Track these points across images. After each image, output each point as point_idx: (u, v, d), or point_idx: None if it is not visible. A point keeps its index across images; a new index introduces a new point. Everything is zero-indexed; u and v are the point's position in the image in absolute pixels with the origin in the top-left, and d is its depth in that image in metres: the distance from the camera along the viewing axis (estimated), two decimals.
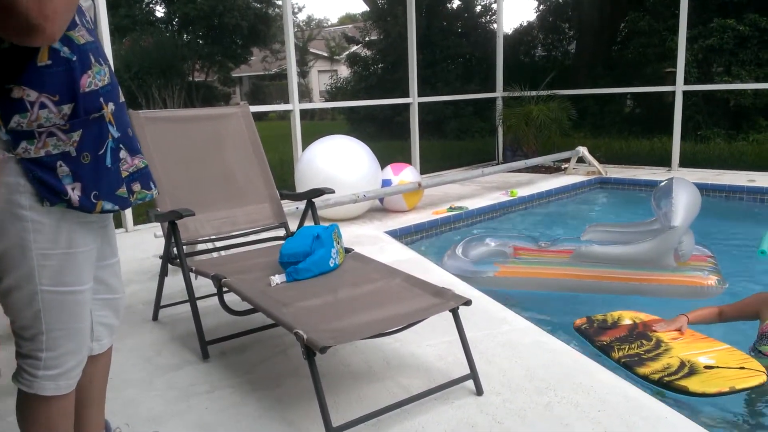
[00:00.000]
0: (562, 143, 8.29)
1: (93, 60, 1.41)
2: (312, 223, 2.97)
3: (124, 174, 1.51)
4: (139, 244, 4.45)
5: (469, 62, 13.92)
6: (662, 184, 3.99)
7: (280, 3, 15.07)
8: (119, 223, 4.98)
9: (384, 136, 12.35)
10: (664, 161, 7.59)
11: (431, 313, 2.11)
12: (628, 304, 3.20)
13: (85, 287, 1.48)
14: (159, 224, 2.95)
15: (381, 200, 5.42)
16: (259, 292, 2.32)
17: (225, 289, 2.44)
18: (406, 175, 5.40)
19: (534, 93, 8.28)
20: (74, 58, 1.36)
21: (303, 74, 27.02)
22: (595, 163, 7.24)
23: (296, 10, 28.91)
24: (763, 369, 2.35)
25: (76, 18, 1.39)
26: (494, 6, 13.85)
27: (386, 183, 5.29)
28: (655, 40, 11.17)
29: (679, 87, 7.19)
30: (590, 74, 12.36)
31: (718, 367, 2.38)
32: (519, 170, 7.32)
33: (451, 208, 5.46)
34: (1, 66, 1.29)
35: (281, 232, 3.24)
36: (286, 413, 2.11)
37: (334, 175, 4.79)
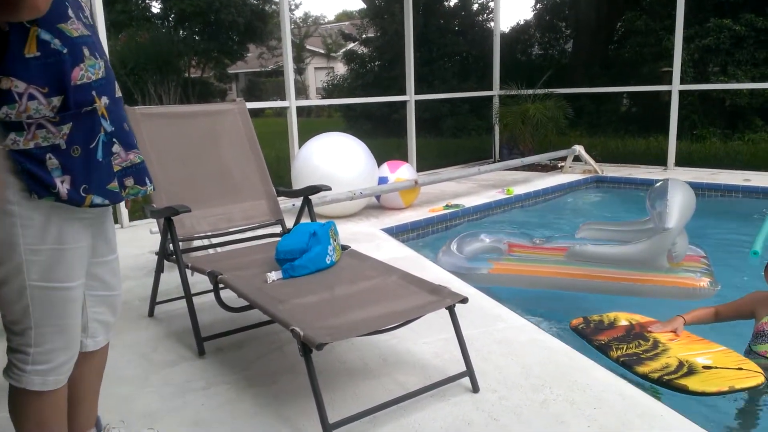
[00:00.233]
0: (558, 142, 8.30)
1: (87, 53, 1.41)
2: (308, 220, 2.97)
3: (117, 168, 1.50)
4: (135, 240, 4.44)
5: (466, 60, 13.93)
6: (658, 184, 3.99)
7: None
8: (115, 219, 4.97)
9: (380, 133, 12.35)
10: (660, 160, 7.61)
11: (428, 310, 2.11)
12: (622, 304, 3.20)
13: (75, 284, 1.47)
14: (155, 220, 2.95)
15: (377, 198, 5.42)
16: (256, 288, 2.32)
17: (221, 285, 2.43)
18: (403, 172, 5.40)
19: (531, 91, 8.29)
20: (65, 51, 1.36)
21: (299, 71, 26.98)
22: (591, 161, 7.25)
23: (293, 7, 28.84)
24: (761, 370, 2.36)
25: (70, 11, 1.39)
26: (491, 4, 13.89)
27: (383, 180, 5.29)
28: (651, 39, 11.20)
29: (676, 86, 7.20)
30: (587, 73, 12.38)
31: (716, 367, 2.39)
32: (515, 168, 7.33)
33: (447, 206, 5.46)
34: None
35: (277, 229, 3.23)
36: (282, 410, 2.11)
37: (331, 172, 4.78)
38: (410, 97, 7.10)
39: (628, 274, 3.61)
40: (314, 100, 17.93)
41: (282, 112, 6.13)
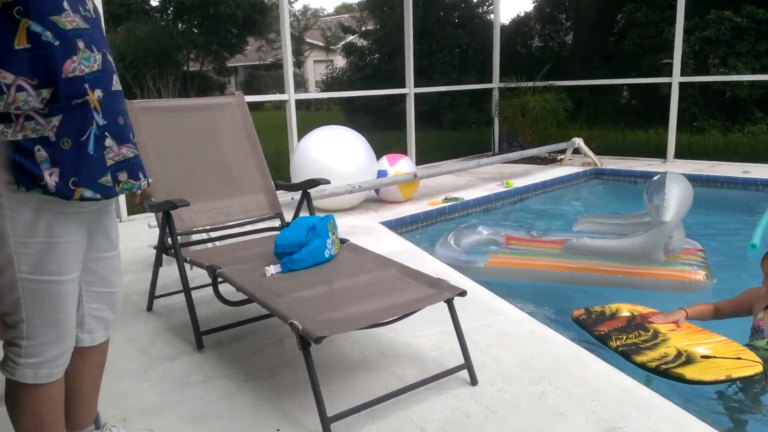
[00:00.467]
0: (558, 134, 8.29)
1: (82, 46, 1.40)
2: (307, 214, 2.97)
3: (110, 162, 1.48)
4: (134, 235, 4.44)
5: (465, 53, 13.88)
6: (655, 178, 3.99)
7: None
8: None
9: (380, 126, 12.32)
10: (660, 152, 7.60)
11: (426, 303, 2.11)
12: (619, 296, 3.21)
13: (68, 277, 1.47)
14: (153, 214, 2.94)
15: (377, 191, 5.41)
16: (254, 282, 2.32)
17: (220, 279, 2.43)
18: (402, 165, 5.39)
19: (530, 84, 8.27)
20: (56, 43, 1.35)
21: (299, 64, 26.90)
22: (591, 154, 7.24)
23: (292, 0, 28.75)
24: (759, 360, 2.36)
25: (66, 4, 1.38)
26: None
27: (382, 174, 5.28)
28: (651, 31, 11.16)
29: (676, 78, 7.19)
30: (587, 65, 12.34)
31: (714, 356, 2.40)
32: (515, 161, 7.32)
33: (446, 199, 5.46)
34: None
35: (276, 223, 3.23)
36: (281, 403, 2.11)
37: (330, 165, 4.78)
38: (410, 90, 7.08)
39: (625, 267, 3.61)
40: (313, 94, 17.90)
41: (281, 106, 6.11)
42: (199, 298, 2.86)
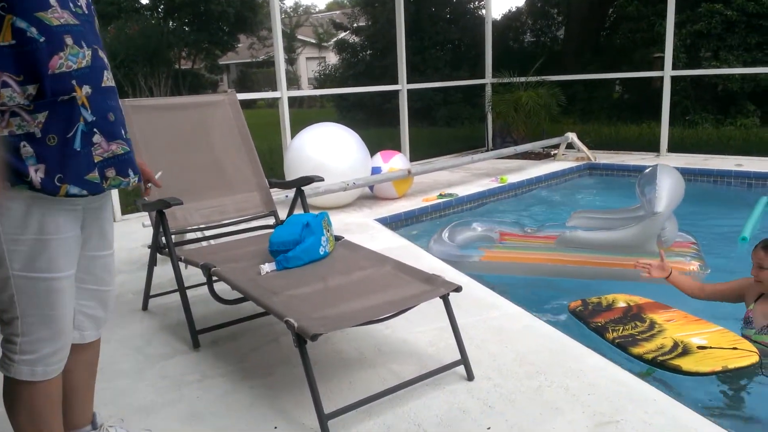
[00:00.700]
0: (551, 129, 8.30)
1: (70, 42, 1.39)
2: (301, 212, 2.96)
3: (97, 159, 1.47)
4: (128, 234, 4.42)
5: (458, 48, 13.87)
6: (647, 171, 4.01)
7: None
8: None
9: (373, 123, 12.31)
10: (653, 146, 7.63)
11: (422, 299, 2.11)
12: (613, 288, 3.21)
13: (61, 275, 1.46)
14: (147, 214, 2.93)
15: (371, 188, 5.41)
16: (249, 280, 2.31)
17: (215, 278, 2.43)
18: (396, 162, 5.39)
19: (523, 79, 8.28)
20: (42, 40, 1.35)
21: (291, 61, 26.83)
22: (584, 148, 7.26)
23: None
24: (756, 350, 2.38)
25: (53, 0, 1.37)
26: None
27: (376, 170, 5.28)
28: (643, 25, 11.18)
29: (668, 72, 7.21)
30: (579, 60, 12.36)
31: (710, 347, 2.41)
32: (508, 157, 7.32)
33: (440, 195, 5.46)
34: None
35: (271, 221, 3.22)
36: (278, 401, 2.11)
37: (324, 163, 4.77)
38: (402, 87, 7.07)
39: (618, 260, 3.63)
40: (306, 91, 17.84)
41: (274, 103, 6.10)
42: (194, 297, 2.85)
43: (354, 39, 15.63)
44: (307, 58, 29.30)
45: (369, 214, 4.88)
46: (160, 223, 2.67)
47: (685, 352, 2.40)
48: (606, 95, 12.59)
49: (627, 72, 10.81)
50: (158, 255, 2.86)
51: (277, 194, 3.71)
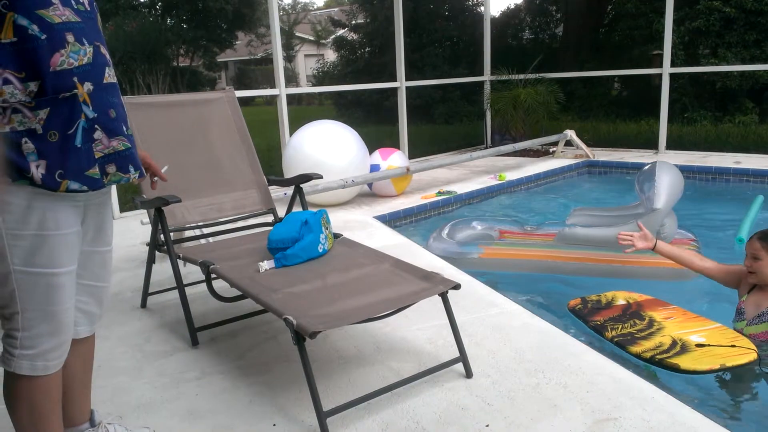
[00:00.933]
0: (549, 127, 8.30)
1: (72, 39, 1.40)
2: (300, 209, 2.96)
3: (98, 155, 1.49)
4: (126, 232, 4.42)
5: (456, 46, 13.86)
6: (646, 167, 4.01)
7: None
8: None
9: (372, 120, 12.30)
10: (651, 144, 7.63)
11: (420, 297, 2.11)
12: (613, 285, 3.22)
13: (62, 270, 1.47)
14: (146, 211, 2.93)
15: (369, 185, 5.40)
16: (248, 278, 2.31)
17: (213, 275, 2.42)
18: (395, 159, 5.39)
19: (522, 76, 8.27)
20: (43, 37, 1.36)
21: (289, 59, 26.79)
22: (583, 146, 7.26)
23: None
24: (754, 347, 2.38)
25: None
26: None
27: (374, 168, 5.28)
28: (641, 22, 11.17)
29: (666, 69, 7.20)
30: (577, 57, 12.35)
31: (709, 345, 2.41)
32: (507, 154, 7.33)
33: (439, 193, 5.46)
34: None
35: (269, 218, 3.22)
36: (276, 398, 2.11)
37: (322, 160, 4.77)
38: (401, 84, 7.07)
39: (618, 257, 3.63)
40: (304, 88, 17.83)
41: (272, 101, 6.09)
42: (193, 295, 2.85)
43: (352, 36, 15.61)
44: (306, 56, 29.26)
45: (368, 212, 4.87)
46: (158, 220, 2.66)
47: (684, 350, 2.40)
48: (604, 92, 12.59)
49: (625, 69, 10.82)
50: (157, 252, 2.86)
51: (276, 192, 3.71)
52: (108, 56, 1.53)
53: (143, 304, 3.03)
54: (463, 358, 2.21)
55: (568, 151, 7.54)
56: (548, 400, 2.03)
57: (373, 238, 4.06)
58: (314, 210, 2.66)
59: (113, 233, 1.72)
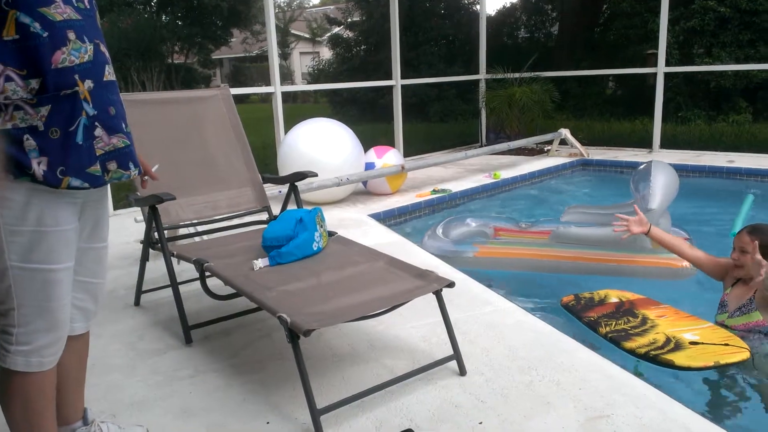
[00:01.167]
0: (544, 125, 8.32)
1: (73, 37, 1.42)
2: (295, 207, 2.96)
3: (99, 152, 1.50)
4: (120, 230, 4.41)
5: (452, 44, 13.86)
6: (641, 167, 4.02)
7: None
8: None
9: (367, 118, 12.30)
10: (646, 143, 7.66)
11: (415, 295, 2.12)
12: (607, 284, 3.23)
13: (59, 266, 1.47)
14: (140, 209, 2.92)
15: (364, 183, 5.40)
16: (242, 276, 2.31)
17: (207, 273, 2.42)
18: (390, 158, 5.39)
19: (517, 75, 8.28)
20: (45, 35, 1.37)
21: (284, 56, 26.73)
22: (578, 144, 7.28)
23: None
24: (747, 346, 2.39)
25: None
26: None
27: (369, 166, 5.28)
28: (636, 21, 11.21)
29: (661, 68, 7.23)
30: (572, 56, 12.38)
31: (703, 343, 2.43)
32: (502, 152, 7.34)
33: (434, 191, 5.46)
34: None
35: (264, 216, 3.22)
36: (270, 396, 2.11)
37: (317, 158, 4.76)
38: (396, 82, 7.06)
39: (612, 255, 3.64)
40: (300, 86, 17.80)
41: (267, 98, 6.07)
42: (186, 293, 2.85)
43: (348, 34, 15.59)
44: (301, 53, 29.20)
45: (362, 210, 4.87)
46: (152, 218, 2.66)
47: (678, 347, 2.41)
48: (599, 91, 12.63)
49: (620, 68, 10.84)
50: (150, 250, 2.85)
51: (271, 189, 3.71)
52: (107, 54, 1.55)
53: (137, 302, 3.03)
54: (456, 355, 2.22)
55: (563, 150, 7.56)
56: (541, 397, 2.04)
57: (368, 236, 4.06)
58: (309, 208, 2.66)
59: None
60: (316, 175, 3.14)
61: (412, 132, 8.78)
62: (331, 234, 2.77)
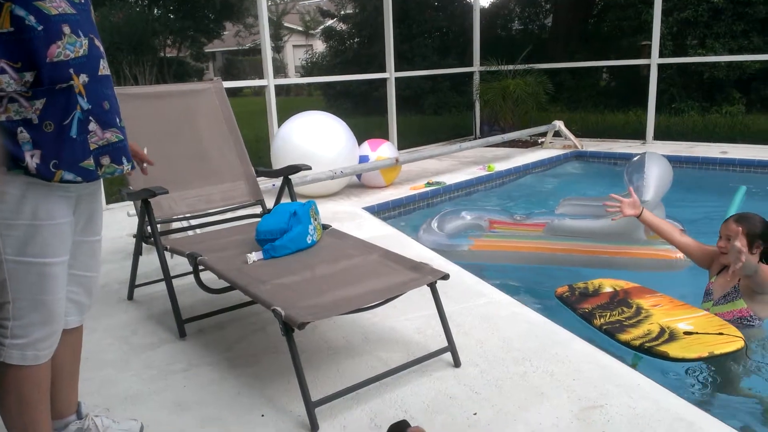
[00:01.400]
0: (538, 117, 8.32)
1: (68, 31, 1.42)
2: (289, 200, 2.95)
3: (93, 147, 1.50)
4: (113, 224, 4.39)
5: (446, 36, 13.82)
6: (635, 158, 4.03)
7: None
8: None
9: (361, 111, 12.26)
10: (639, 134, 7.67)
11: (409, 287, 2.11)
12: (601, 276, 3.24)
13: (54, 260, 1.47)
14: (132, 203, 2.91)
15: (358, 176, 5.39)
16: (236, 269, 2.30)
17: (201, 267, 2.41)
18: (384, 150, 5.38)
19: (511, 67, 8.27)
20: (40, 28, 1.37)
21: (277, 49, 26.60)
22: (571, 136, 7.28)
23: None
24: (741, 335, 2.40)
25: None
26: None
27: (363, 159, 5.27)
28: (630, 13, 11.20)
29: (654, 60, 7.23)
30: (566, 48, 12.36)
31: (697, 333, 2.43)
32: (496, 145, 7.33)
33: (428, 184, 5.46)
34: None
35: (258, 210, 3.21)
36: (265, 389, 2.11)
37: (311, 151, 4.75)
38: (390, 75, 7.04)
39: (606, 247, 3.65)
40: (293, 79, 17.72)
41: (260, 91, 6.05)
42: (180, 287, 2.84)
43: (341, 27, 15.52)
44: (294, 46, 29.08)
45: (356, 203, 4.87)
46: (145, 212, 2.65)
47: (672, 338, 2.42)
48: (593, 83, 12.63)
49: (614, 60, 10.84)
50: (144, 244, 2.84)
51: (264, 183, 3.70)
52: (102, 49, 1.55)
53: (130, 296, 3.02)
54: (451, 347, 2.22)
55: (557, 142, 7.56)
56: (535, 388, 2.04)
57: (362, 229, 4.06)
58: (303, 201, 2.66)
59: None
60: (309, 168, 3.13)
61: (406, 125, 8.76)
62: (325, 227, 2.77)
